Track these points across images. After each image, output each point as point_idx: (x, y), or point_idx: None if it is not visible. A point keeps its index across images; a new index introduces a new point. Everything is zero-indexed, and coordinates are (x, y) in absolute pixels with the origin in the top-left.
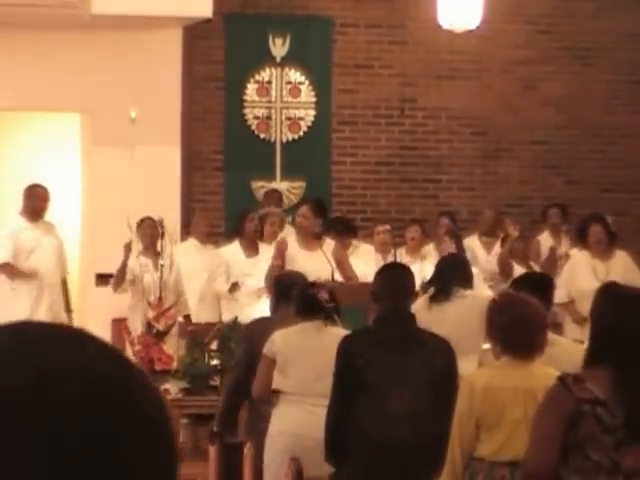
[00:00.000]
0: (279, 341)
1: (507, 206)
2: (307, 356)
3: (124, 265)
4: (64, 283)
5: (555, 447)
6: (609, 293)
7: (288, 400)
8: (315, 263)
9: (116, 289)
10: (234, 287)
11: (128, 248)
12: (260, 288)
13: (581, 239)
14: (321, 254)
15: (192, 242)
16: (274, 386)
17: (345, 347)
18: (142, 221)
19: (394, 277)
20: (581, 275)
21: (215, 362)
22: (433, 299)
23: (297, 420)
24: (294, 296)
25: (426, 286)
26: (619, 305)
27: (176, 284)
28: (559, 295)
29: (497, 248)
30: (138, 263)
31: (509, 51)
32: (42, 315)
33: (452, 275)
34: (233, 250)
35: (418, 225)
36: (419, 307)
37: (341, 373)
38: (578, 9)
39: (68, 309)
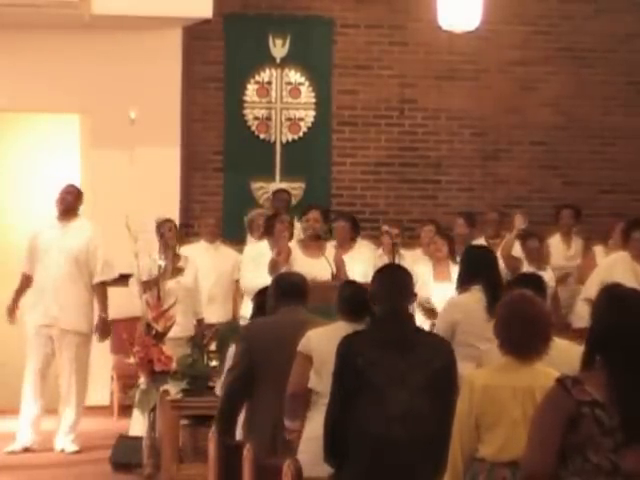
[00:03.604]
0: (315, 338)
1: (506, 207)
2: None
3: (156, 282)
4: (98, 287)
5: (554, 449)
6: (605, 294)
7: (320, 403)
8: (317, 269)
9: (144, 294)
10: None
11: (166, 275)
12: None
13: (623, 238)
14: (323, 260)
15: (201, 244)
16: (309, 385)
17: (344, 347)
18: (162, 223)
19: (393, 278)
20: (619, 275)
21: (214, 363)
22: (492, 312)
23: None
24: (343, 293)
25: (464, 287)
26: (613, 306)
27: (193, 286)
28: (589, 291)
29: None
30: (154, 264)
31: (508, 52)
32: (37, 317)
33: (499, 276)
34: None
35: (432, 225)
36: (477, 322)
37: (340, 373)
38: (576, 10)
39: (102, 311)
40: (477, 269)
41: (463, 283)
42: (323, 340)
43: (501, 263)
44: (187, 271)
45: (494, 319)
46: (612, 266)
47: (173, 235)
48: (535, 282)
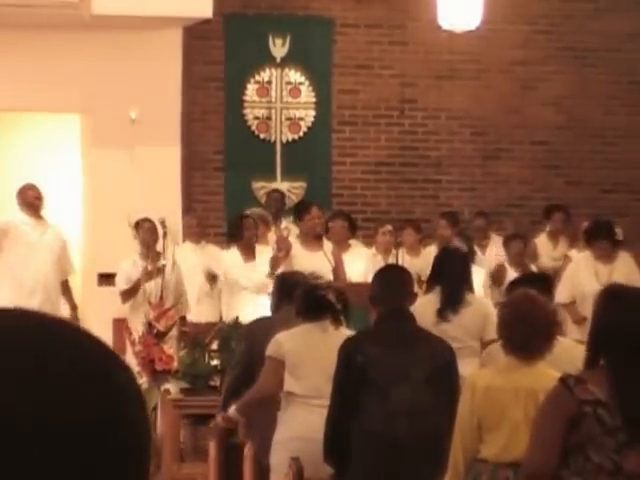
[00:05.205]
0: (286, 342)
1: (507, 206)
2: (316, 358)
3: (138, 285)
4: (65, 284)
5: (556, 448)
6: (606, 293)
7: (297, 403)
8: (317, 263)
9: (125, 302)
10: (212, 279)
11: (149, 276)
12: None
13: (587, 242)
14: (322, 255)
15: (187, 244)
16: (286, 388)
17: (346, 347)
18: (141, 222)
19: (392, 279)
20: (583, 277)
21: (215, 362)
22: (442, 315)
23: (308, 423)
24: (298, 296)
25: (429, 287)
26: (614, 304)
27: (177, 285)
28: (561, 295)
29: (490, 250)
30: (136, 267)
31: (509, 51)
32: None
33: (459, 279)
34: (233, 255)
35: (412, 227)
36: (425, 324)
37: (342, 372)
38: (577, 10)
39: (73, 308)
40: (440, 271)
41: (428, 284)
42: (294, 341)
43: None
44: (168, 270)
45: (444, 322)
46: (577, 268)
47: (152, 234)
48: (540, 282)
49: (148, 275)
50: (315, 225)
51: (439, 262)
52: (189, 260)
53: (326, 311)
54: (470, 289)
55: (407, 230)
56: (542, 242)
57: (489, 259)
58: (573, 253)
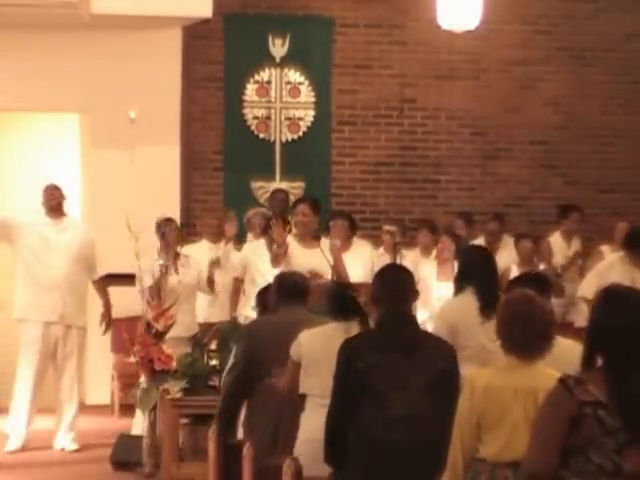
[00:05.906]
0: (304, 342)
1: (506, 206)
2: (331, 358)
3: (160, 283)
4: (98, 283)
5: (556, 449)
6: (604, 293)
7: (313, 403)
8: (314, 261)
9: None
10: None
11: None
12: None
13: (626, 249)
14: (319, 252)
15: (203, 243)
16: (300, 390)
17: (345, 351)
18: (166, 223)
19: (394, 279)
20: (617, 275)
21: (214, 362)
22: (486, 314)
23: (316, 424)
24: (330, 295)
25: (458, 288)
26: (612, 304)
27: (198, 278)
28: (585, 290)
29: (501, 253)
30: (156, 265)
31: (508, 51)
32: (43, 314)
33: (491, 277)
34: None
35: (427, 228)
36: (471, 324)
37: (341, 376)
38: (576, 10)
39: (106, 306)
40: (470, 270)
41: (458, 284)
42: (312, 341)
43: None
44: (189, 270)
45: (487, 321)
46: (610, 267)
47: (175, 235)
48: (538, 281)
49: (168, 274)
50: (298, 222)
51: (466, 262)
52: (205, 259)
53: (354, 313)
54: (500, 287)
55: (422, 231)
56: (556, 241)
57: (500, 262)
58: (606, 249)
